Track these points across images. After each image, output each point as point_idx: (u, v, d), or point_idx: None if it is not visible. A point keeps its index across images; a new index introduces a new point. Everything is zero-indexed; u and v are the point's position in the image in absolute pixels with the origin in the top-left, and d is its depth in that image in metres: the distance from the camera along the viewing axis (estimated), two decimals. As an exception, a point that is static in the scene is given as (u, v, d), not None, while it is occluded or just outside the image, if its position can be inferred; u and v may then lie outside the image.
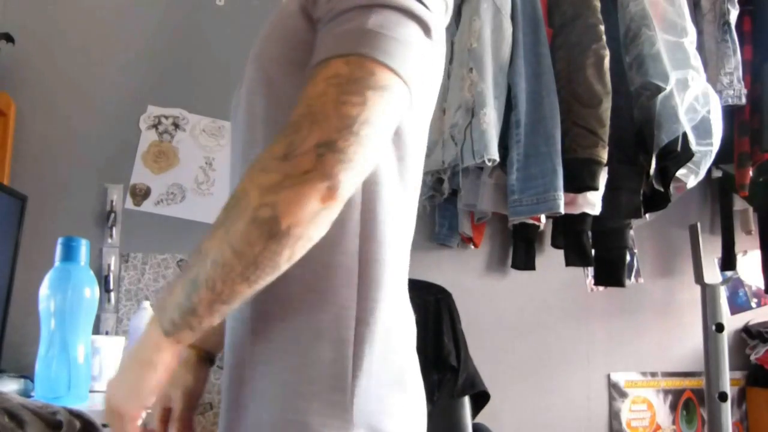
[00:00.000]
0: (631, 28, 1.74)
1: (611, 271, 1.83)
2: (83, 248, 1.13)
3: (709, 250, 2.15)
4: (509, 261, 2.06)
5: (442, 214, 2.02)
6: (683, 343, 2.20)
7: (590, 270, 2.08)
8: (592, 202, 1.68)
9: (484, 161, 1.59)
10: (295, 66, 0.66)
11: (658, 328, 2.19)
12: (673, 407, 2.17)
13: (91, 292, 1.11)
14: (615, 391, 2.13)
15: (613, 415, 2.11)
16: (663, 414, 2.16)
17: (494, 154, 1.59)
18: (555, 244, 1.99)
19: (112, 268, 1.78)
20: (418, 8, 0.61)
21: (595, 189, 1.61)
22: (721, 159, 1.86)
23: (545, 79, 1.67)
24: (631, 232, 2.01)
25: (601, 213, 1.69)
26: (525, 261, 2.01)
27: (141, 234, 1.82)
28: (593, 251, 1.82)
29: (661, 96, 1.65)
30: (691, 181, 1.74)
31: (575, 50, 1.66)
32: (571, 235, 1.83)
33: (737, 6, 1.86)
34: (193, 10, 1.95)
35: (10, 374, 1.37)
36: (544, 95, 1.66)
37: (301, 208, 0.54)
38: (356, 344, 0.63)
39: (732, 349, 2.10)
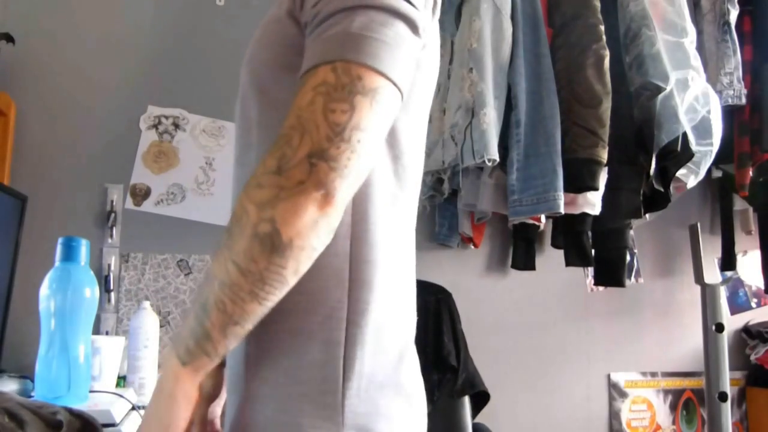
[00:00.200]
0: (631, 28, 1.74)
1: (611, 271, 1.83)
2: (83, 248, 1.13)
3: (709, 250, 2.15)
4: (509, 261, 2.06)
5: (442, 214, 2.03)
6: (683, 343, 2.20)
7: (590, 270, 2.08)
8: (592, 202, 1.68)
9: (484, 161, 1.59)
10: (286, 70, 0.66)
11: (658, 328, 2.19)
12: (673, 407, 2.17)
13: (91, 292, 1.11)
14: (615, 391, 2.13)
15: (613, 415, 2.11)
16: (663, 414, 2.16)
17: (494, 154, 1.59)
18: (555, 244, 1.99)
19: (112, 268, 1.78)
20: (403, 6, 0.61)
21: (595, 189, 1.61)
22: (721, 159, 1.86)
23: (545, 79, 1.67)
24: (631, 232, 2.00)
25: (601, 213, 1.69)
26: (525, 261, 2.01)
27: (141, 234, 1.82)
28: (593, 251, 1.82)
29: (661, 96, 1.65)
30: (691, 181, 1.74)
31: (575, 50, 1.66)
32: (571, 235, 1.83)
33: (737, 6, 1.86)
34: (193, 10, 1.95)
35: (10, 374, 1.37)
36: (544, 95, 1.66)
37: (300, 218, 0.54)
38: (347, 346, 0.63)
39: (732, 349, 2.10)
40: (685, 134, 1.63)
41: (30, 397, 1.15)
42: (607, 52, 1.64)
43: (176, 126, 1.89)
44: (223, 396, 0.87)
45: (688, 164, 1.69)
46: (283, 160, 0.55)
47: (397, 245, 0.70)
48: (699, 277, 2.07)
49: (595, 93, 1.61)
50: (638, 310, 2.18)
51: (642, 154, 1.70)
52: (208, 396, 0.83)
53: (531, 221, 1.82)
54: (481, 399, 1.77)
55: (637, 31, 1.72)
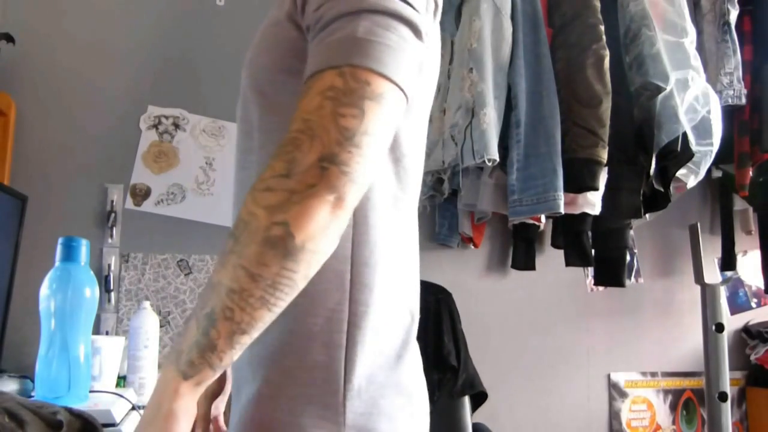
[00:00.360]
0: (631, 28, 1.74)
1: (611, 271, 1.83)
2: (83, 248, 1.13)
3: (709, 250, 2.15)
4: (509, 261, 2.06)
5: (442, 214, 2.03)
6: (683, 343, 2.20)
7: (590, 270, 2.08)
8: (592, 202, 1.68)
9: (484, 161, 1.59)
10: (286, 74, 0.67)
11: (658, 328, 2.19)
12: (673, 407, 2.17)
13: (92, 292, 1.11)
14: (615, 391, 2.13)
15: (613, 415, 2.11)
16: (663, 414, 2.16)
17: (494, 154, 1.59)
18: (555, 244, 1.99)
19: (112, 268, 1.78)
20: (406, 11, 0.61)
21: (595, 189, 1.61)
22: (721, 159, 1.86)
23: (545, 79, 1.67)
24: (631, 232, 2.01)
25: (601, 213, 1.69)
26: (525, 261, 2.01)
27: (141, 234, 1.82)
28: (593, 251, 1.82)
29: (661, 96, 1.65)
30: (691, 181, 1.74)
31: (575, 50, 1.66)
32: (571, 235, 1.83)
33: (737, 6, 1.86)
34: (193, 10, 1.95)
35: (10, 374, 1.37)
36: (544, 95, 1.66)
37: (313, 222, 0.54)
38: (348, 347, 0.64)
39: (732, 349, 2.10)
40: (685, 134, 1.63)
41: (30, 397, 1.15)
42: (607, 52, 1.64)
43: (176, 126, 1.89)
44: (227, 393, 0.87)
45: (688, 164, 1.69)
46: (293, 164, 0.54)
47: (399, 247, 0.70)
48: (699, 277, 2.07)
49: (595, 93, 1.61)
50: (638, 310, 2.18)
51: (642, 154, 1.69)
52: (212, 393, 0.83)
53: (531, 221, 1.82)
54: (478, 397, 1.77)
55: (637, 31, 1.72)
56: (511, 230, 2.01)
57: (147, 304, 1.46)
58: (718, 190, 2.23)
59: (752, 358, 2.18)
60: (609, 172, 1.67)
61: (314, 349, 0.64)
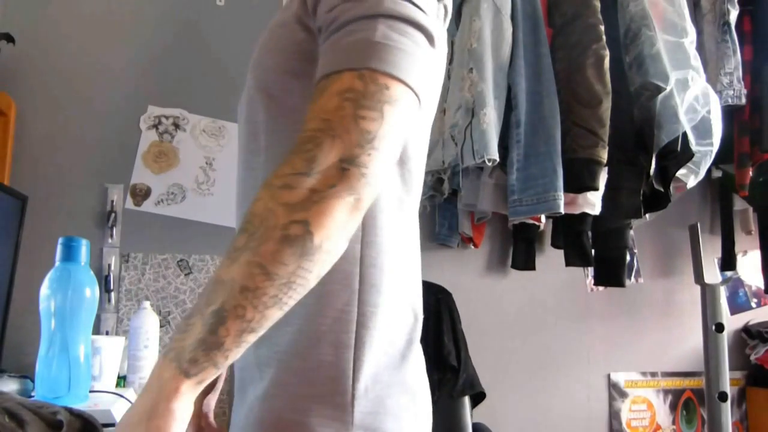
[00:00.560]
0: (631, 28, 1.74)
1: (611, 271, 1.83)
2: (83, 248, 1.12)
3: (709, 250, 2.15)
4: (509, 261, 2.06)
5: (442, 214, 2.03)
6: (683, 343, 2.20)
7: (590, 270, 2.08)
8: (592, 202, 1.68)
9: (484, 161, 1.59)
10: (294, 75, 0.67)
11: (658, 328, 2.19)
12: (673, 407, 2.17)
13: (92, 292, 1.11)
14: (615, 391, 2.13)
15: (613, 415, 2.11)
16: (663, 414, 2.16)
17: (494, 154, 1.59)
18: (555, 244, 1.99)
19: (113, 268, 1.78)
20: (421, 17, 0.61)
21: (595, 189, 1.61)
22: (721, 159, 1.86)
23: (545, 79, 1.67)
24: (631, 232, 2.01)
25: (601, 213, 1.69)
26: (525, 261, 2.01)
27: (141, 234, 1.82)
28: (593, 251, 1.82)
29: (661, 96, 1.65)
30: (691, 181, 1.74)
31: (575, 50, 1.66)
32: (571, 235, 1.83)
33: (737, 6, 1.86)
34: (193, 10, 1.95)
35: (11, 374, 1.37)
36: (544, 95, 1.66)
37: (333, 222, 0.53)
38: (356, 347, 0.65)
39: (732, 349, 2.10)
40: (685, 134, 1.63)
41: (30, 397, 1.15)
42: (607, 52, 1.64)
43: (176, 126, 1.89)
44: (218, 389, 0.87)
45: (688, 164, 1.69)
46: (314, 163, 0.54)
47: (404, 248, 0.71)
48: (699, 277, 2.07)
49: (595, 93, 1.61)
50: (638, 310, 2.18)
51: (642, 154, 1.69)
52: (205, 389, 0.83)
53: (531, 221, 1.82)
54: (477, 396, 1.77)
55: (637, 31, 1.72)
56: (511, 230, 2.01)
57: (147, 304, 1.46)
58: (718, 190, 2.23)
59: (752, 358, 2.18)
60: (609, 172, 1.67)
61: (323, 349, 0.64)
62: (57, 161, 1.81)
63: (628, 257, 1.89)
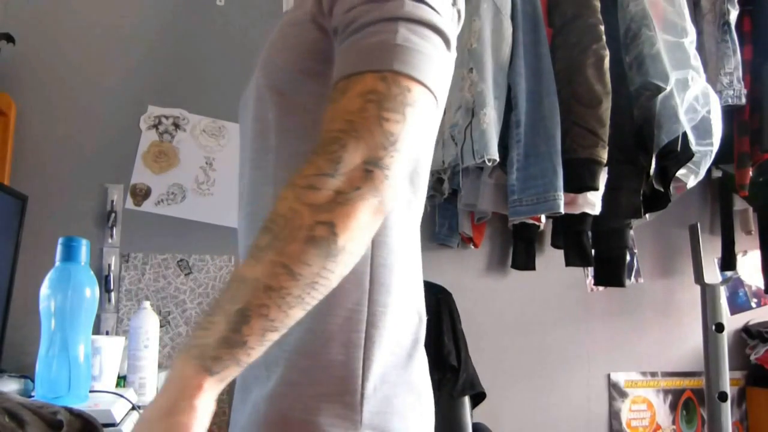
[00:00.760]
0: (631, 28, 1.74)
1: (611, 271, 1.83)
2: (83, 248, 1.12)
3: (709, 250, 2.15)
4: (509, 261, 2.06)
5: (442, 214, 2.03)
6: (683, 343, 2.20)
7: (590, 270, 2.08)
8: (592, 202, 1.68)
9: (484, 161, 1.59)
10: (306, 74, 0.67)
11: (658, 328, 2.19)
12: (673, 407, 2.17)
13: (92, 292, 1.11)
14: (615, 391, 2.13)
15: (613, 415, 2.11)
16: (663, 414, 2.16)
17: (494, 154, 1.59)
18: (555, 244, 1.99)
19: (113, 268, 1.78)
20: (439, 21, 0.62)
21: (595, 189, 1.61)
22: (721, 159, 1.86)
23: (545, 79, 1.67)
24: (631, 232, 2.00)
25: (601, 213, 1.69)
26: (525, 261, 2.01)
27: (141, 234, 1.82)
28: (593, 251, 1.82)
29: (661, 96, 1.65)
30: (691, 181, 1.74)
31: (575, 50, 1.66)
32: (571, 235, 1.83)
33: (737, 6, 1.86)
34: (193, 10, 1.95)
35: (11, 374, 1.37)
36: (544, 95, 1.66)
37: (357, 224, 0.54)
38: (366, 347, 0.65)
39: (732, 349, 2.10)
40: (685, 134, 1.63)
41: (30, 397, 1.15)
42: (607, 52, 1.64)
43: (176, 126, 1.89)
44: None
45: (688, 164, 1.69)
46: (338, 164, 0.54)
47: (410, 248, 0.72)
48: (699, 277, 2.07)
49: (595, 93, 1.61)
50: (638, 310, 2.18)
51: (642, 154, 1.69)
52: None
53: (531, 221, 1.82)
54: (477, 396, 1.77)
55: (637, 31, 1.72)
56: (511, 230, 2.01)
57: (147, 304, 1.46)
58: (718, 190, 2.23)
59: (752, 358, 2.18)
60: (609, 172, 1.67)
61: (333, 349, 0.64)
62: (57, 161, 1.81)
63: (628, 257, 1.89)
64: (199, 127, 1.90)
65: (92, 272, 1.14)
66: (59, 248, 1.11)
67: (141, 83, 1.89)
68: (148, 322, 1.43)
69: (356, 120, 0.56)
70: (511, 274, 2.08)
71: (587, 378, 2.11)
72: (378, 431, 0.63)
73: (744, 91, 1.84)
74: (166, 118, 1.89)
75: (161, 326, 1.71)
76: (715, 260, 2.20)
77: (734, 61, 1.84)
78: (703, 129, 1.66)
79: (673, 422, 2.17)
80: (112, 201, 1.81)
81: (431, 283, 1.83)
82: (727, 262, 2.16)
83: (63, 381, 1.07)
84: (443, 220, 2.02)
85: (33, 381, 1.20)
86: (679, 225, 2.20)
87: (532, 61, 1.68)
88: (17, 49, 1.73)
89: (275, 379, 0.65)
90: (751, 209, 2.14)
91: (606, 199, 1.68)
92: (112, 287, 1.77)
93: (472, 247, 2.04)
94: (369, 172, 0.54)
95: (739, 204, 2.17)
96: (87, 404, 1.08)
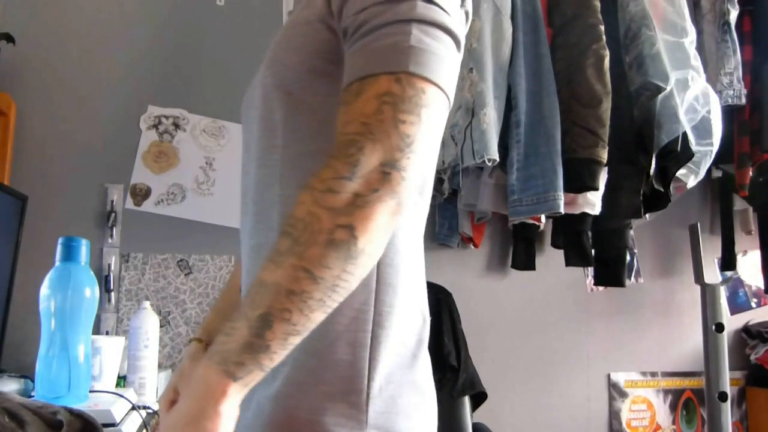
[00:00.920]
0: (631, 28, 1.74)
1: (611, 271, 1.83)
2: (83, 248, 1.12)
3: (709, 250, 2.15)
4: (509, 261, 2.06)
5: (442, 214, 2.03)
6: (683, 343, 2.20)
7: (590, 270, 2.08)
8: (592, 202, 1.68)
9: (484, 161, 1.59)
10: (315, 74, 0.67)
11: (658, 328, 2.19)
12: (673, 407, 2.17)
13: (92, 292, 1.11)
14: (615, 391, 2.13)
15: (613, 415, 2.11)
16: (663, 414, 2.16)
17: (494, 154, 1.59)
18: (555, 244, 1.99)
19: (113, 268, 1.78)
20: (450, 22, 0.62)
21: (595, 189, 1.61)
22: (721, 159, 1.86)
23: (545, 79, 1.67)
24: (631, 232, 2.01)
25: (601, 213, 1.69)
26: (525, 261, 2.01)
27: (141, 234, 1.82)
28: (593, 251, 1.82)
29: (661, 96, 1.65)
30: (691, 181, 1.74)
31: (575, 50, 1.66)
32: (571, 235, 1.83)
33: (737, 6, 1.86)
34: (193, 10, 1.95)
35: (11, 374, 1.37)
36: (544, 95, 1.66)
37: (376, 226, 0.55)
38: (372, 347, 0.65)
39: (732, 349, 2.10)
40: (685, 134, 1.63)
41: (30, 397, 1.15)
42: (607, 52, 1.64)
43: (176, 126, 1.89)
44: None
45: (688, 164, 1.69)
46: (356, 167, 0.55)
47: (414, 249, 0.72)
48: (699, 277, 2.07)
49: (595, 93, 1.61)
50: (638, 310, 2.18)
51: (642, 154, 1.69)
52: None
53: (531, 221, 1.82)
54: (478, 397, 1.77)
55: (637, 31, 1.72)
56: (511, 230, 2.01)
57: (147, 304, 1.46)
58: (718, 190, 2.23)
59: (752, 358, 2.18)
60: (609, 172, 1.67)
61: (339, 348, 0.64)
62: (57, 161, 1.81)
63: (628, 257, 1.89)
64: (199, 127, 1.90)
65: (92, 272, 1.14)
66: (59, 248, 1.11)
67: (141, 83, 1.89)
68: (148, 322, 1.43)
69: (372, 122, 0.56)
70: (511, 274, 2.08)
71: (587, 378, 2.11)
72: (383, 431, 0.64)
73: (744, 91, 1.84)
74: (166, 118, 1.89)
75: (161, 326, 1.71)
76: (715, 260, 2.20)
77: (734, 61, 1.84)
78: (703, 129, 1.66)
79: (673, 422, 2.17)
80: (112, 201, 1.81)
81: (431, 283, 1.81)
82: (727, 262, 2.16)
83: (63, 381, 1.07)
84: (443, 220, 2.02)
85: (33, 381, 1.20)
86: (679, 225, 2.20)
87: (532, 61, 1.68)
88: (17, 49, 1.73)
89: (281, 379, 0.65)
90: (751, 209, 2.14)
91: (606, 199, 1.68)
92: (112, 287, 1.77)
93: (472, 247, 2.04)
94: (386, 174, 0.55)
95: (739, 204, 2.17)
96: (87, 404, 1.08)
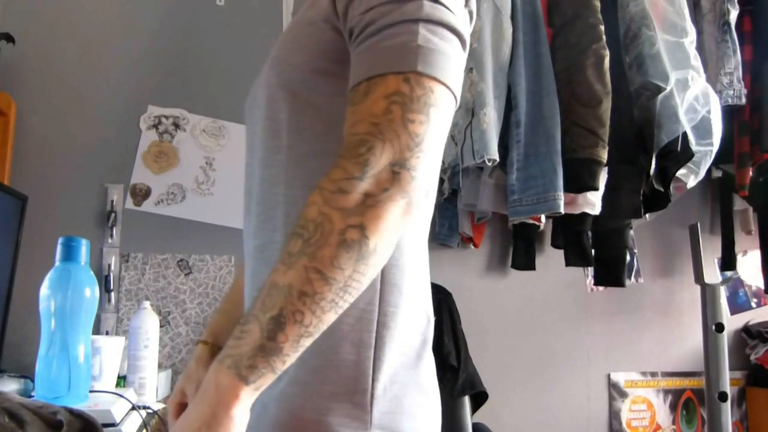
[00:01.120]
0: (631, 28, 1.74)
1: (611, 271, 1.83)
2: (83, 248, 1.12)
3: (709, 250, 2.15)
4: (509, 261, 2.06)
5: (442, 214, 2.03)
6: (683, 343, 2.20)
7: (590, 270, 2.08)
8: (592, 202, 1.68)
9: (484, 161, 1.59)
10: (320, 74, 0.67)
11: (658, 328, 2.19)
12: (673, 407, 2.17)
13: (92, 292, 1.11)
14: (615, 391, 2.13)
15: (613, 415, 2.11)
16: (663, 414, 2.16)
17: (494, 154, 1.59)
18: (555, 244, 1.99)
19: (113, 268, 1.78)
20: (456, 22, 0.62)
21: (595, 189, 1.61)
22: (721, 159, 1.86)
23: (545, 79, 1.67)
24: (631, 232, 2.00)
25: (601, 213, 1.69)
26: (525, 261, 2.01)
27: (141, 234, 1.82)
28: (593, 251, 1.82)
29: (661, 96, 1.65)
30: (691, 181, 1.74)
31: (575, 50, 1.66)
32: (571, 235, 1.83)
33: (737, 6, 1.86)
34: (193, 10, 1.95)
35: (11, 374, 1.37)
36: (544, 95, 1.66)
37: (387, 226, 0.55)
38: (377, 347, 0.65)
39: (732, 349, 2.10)
40: (685, 134, 1.63)
41: (30, 397, 1.15)
42: (607, 52, 1.64)
43: (176, 126, 1.89)
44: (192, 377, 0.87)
45: (688, 164, 1.69)
46: (367, 167, 0.55)
47: (419, 249, 0.72)
48: (699, 277, 2.07)
49: (595, 93, 1.61)
50: (638, 310, 2.18)
51: (642, 154, 1.70)
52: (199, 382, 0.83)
53: (531, 221, 1.82)
54: (479, 398, 1.77)
55: (637, 31, 1.72)
56: (511, 230, 2.01)
57: (147, 304, 1.46)
58: (718, 190, 2.23)
59: (752, 358, 2.18)
60: (609, 172, 1.67)
61: (344, 348, 0.64)
62: (57, 161, 1.81)
63: (628, 257, 1.89)
64: (199, 127, 1.90)
65: (92, 272, 1.14)
66: (59, 248, 1.11)
67: (141, 83, 1.89)
68: (148, 322, 1.43)
69: (382, 122, 0.56)
70: (511, 274, 2.08)
71: (587, 378, 2.11)
72: (388, 431, 0.64)
73: (744, 91, 1.84)
74: (166, 118, 1.89)
75: (161, 326, 1.71)
76: (715, 260, 2.20)
77: (734, 61, 1.84)
78: (703, 129, 1.67)
79: (673, 422, 2.17)
80: (112, 201, 1.81)
81: (431, 283, 1.82)
82: (727, 262, 2.16)
83: (63, 381, 1.07)
84: (443, 220, 2.02)
85: (33, 381, 1.20)
86: (679, 225, 2.20)
87: (532, 61, 1.68)
88: (17, 49, 1.73)
89: (286, 379, 0.65)
90: (751, 209, 2.14)
91: (606, 199, 1.68)
92: (112, 287, 1.77)
93: (472, 247, 2.04)
94: (396, 173, 0.55)
95: (739, 204, 2.17)
96: (87, 404, 1.08)
